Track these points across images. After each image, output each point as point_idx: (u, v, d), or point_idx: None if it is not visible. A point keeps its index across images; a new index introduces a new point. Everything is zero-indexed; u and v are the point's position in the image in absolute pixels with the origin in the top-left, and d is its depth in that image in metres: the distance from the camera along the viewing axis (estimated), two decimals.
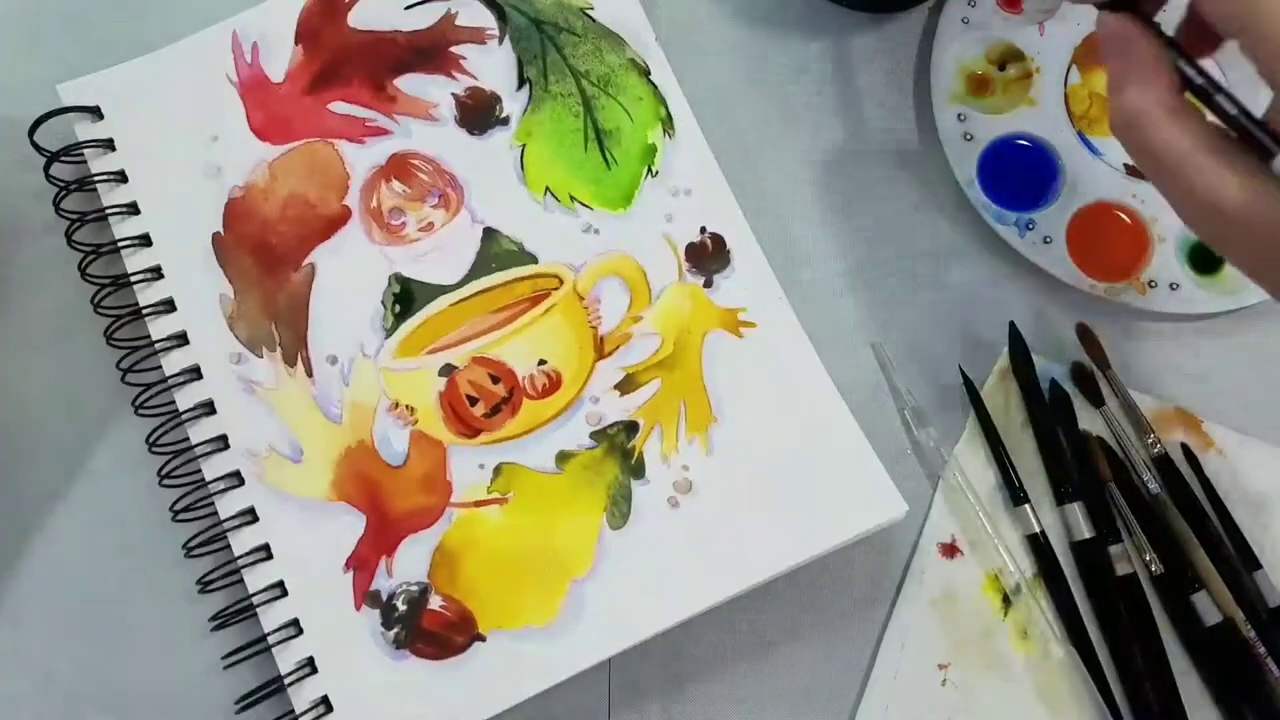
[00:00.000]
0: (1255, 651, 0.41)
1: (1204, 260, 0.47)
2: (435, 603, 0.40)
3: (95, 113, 0.43)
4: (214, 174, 0.43)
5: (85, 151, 0.43)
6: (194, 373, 0.41)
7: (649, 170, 0.45)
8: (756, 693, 0.43)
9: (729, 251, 0.44)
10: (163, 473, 0.41)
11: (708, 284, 0.44)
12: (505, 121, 0.45)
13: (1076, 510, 0.43)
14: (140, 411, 0.41)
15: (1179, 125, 0.32)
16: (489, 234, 0.44)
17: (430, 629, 0.39)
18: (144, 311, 0.42)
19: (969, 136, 0.48)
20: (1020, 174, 0.48)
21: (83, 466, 0.43)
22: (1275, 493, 0.44)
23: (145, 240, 0.42)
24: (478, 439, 0.41)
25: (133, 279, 0.42)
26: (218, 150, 0.44)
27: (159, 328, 0.42)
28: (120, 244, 0.42)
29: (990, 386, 0.45)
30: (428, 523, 0.40)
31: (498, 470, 0.41)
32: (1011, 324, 0.46)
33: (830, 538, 0.40)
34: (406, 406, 0.42)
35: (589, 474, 0.41)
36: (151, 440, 0.41)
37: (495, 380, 0.42)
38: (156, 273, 0.42)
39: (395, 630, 0.39)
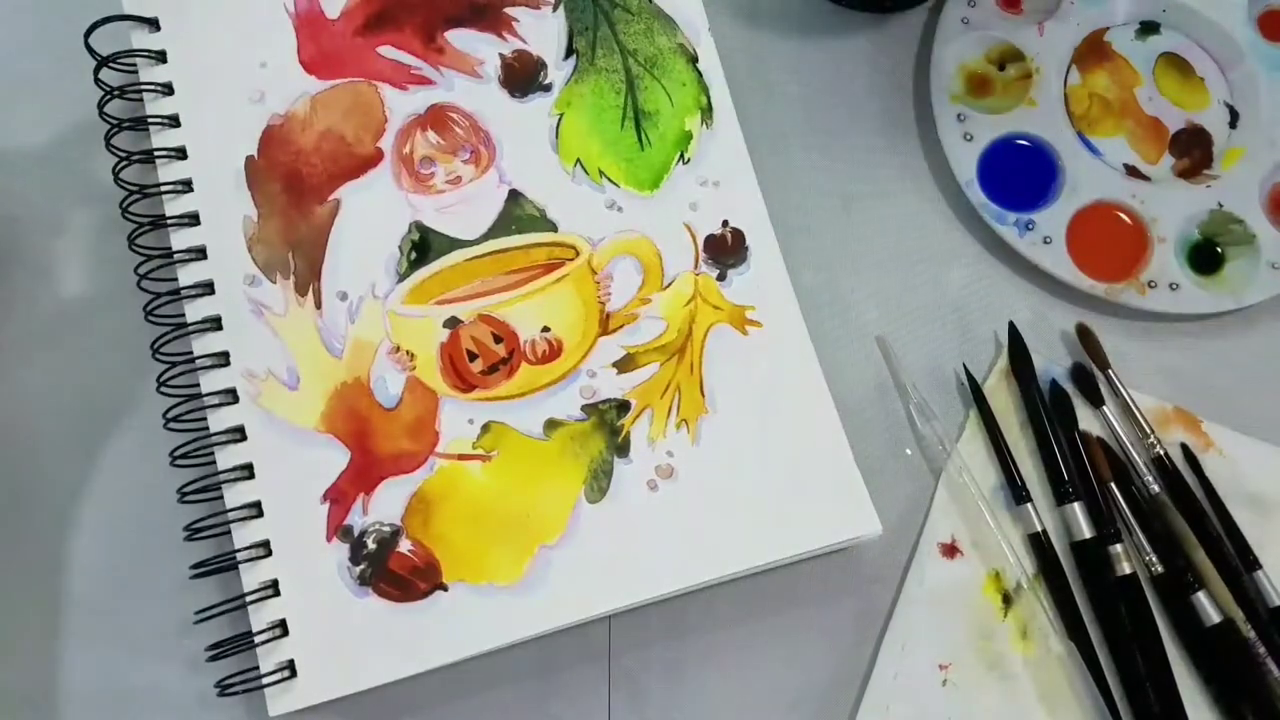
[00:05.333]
0: (1255, 651, 0.41)
1: (1204, 260, 0.47)
2: (405, 546, 0.40)
3: (153, 24, 0.44)
4: (258, 99, 0.44)
5: (137, 61, 0.44)
6: (207, 288, 0.42)
7: (681, 157, 0.45)
8: (756, 693, 0.42)
9: (748, 248, 0.44)
10: (161, 380, 0.41)
11: (721, 277, 0.44)
12: (548, 88, 0.45)
13: (1076, 510, 0.43)
14: (149, 317, 0.41)
15: None
16: (514, 196, 0.44)
17: (396, 570, 0.40)
18: (168, 221, 0.42)
19: (969, 136, 0.48)
20: (1020, 174, 0.48)
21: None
22: (1275, 493, 0.44)
23: (181, 153, 0.43)
24: (471, 394, 0.42)
25: (162, 189, 0.43)
26: (264, 76, 0.44)
27: (180, 239, 0.42)
28: (156, 154, 0.43)
29: (990, 386, 0.45)
30: (410, 468, 0.41)
31: (486, 428, 0.41)
32: (1011, 324, 0.46)
33: (800, 544, 0.40)
34: (407, 352, 0.42)
35: (574, 445, 0.41)
36: (156, 348, 0.41)
37: (497, 340, 0.42)
38: (187, 186, 0.43)
39: (361, 567, 0.40)
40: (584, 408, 0.42)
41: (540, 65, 0.46)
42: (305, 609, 0.39)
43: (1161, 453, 0.44)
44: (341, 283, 0.43)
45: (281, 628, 0.39)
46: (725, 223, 0.44)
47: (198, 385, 0.41)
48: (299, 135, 0.44)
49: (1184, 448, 0.45)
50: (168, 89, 0.44)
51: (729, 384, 0.42)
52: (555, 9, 0.46)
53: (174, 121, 0.44)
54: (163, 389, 0.41)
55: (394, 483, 0.41)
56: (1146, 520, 0.43)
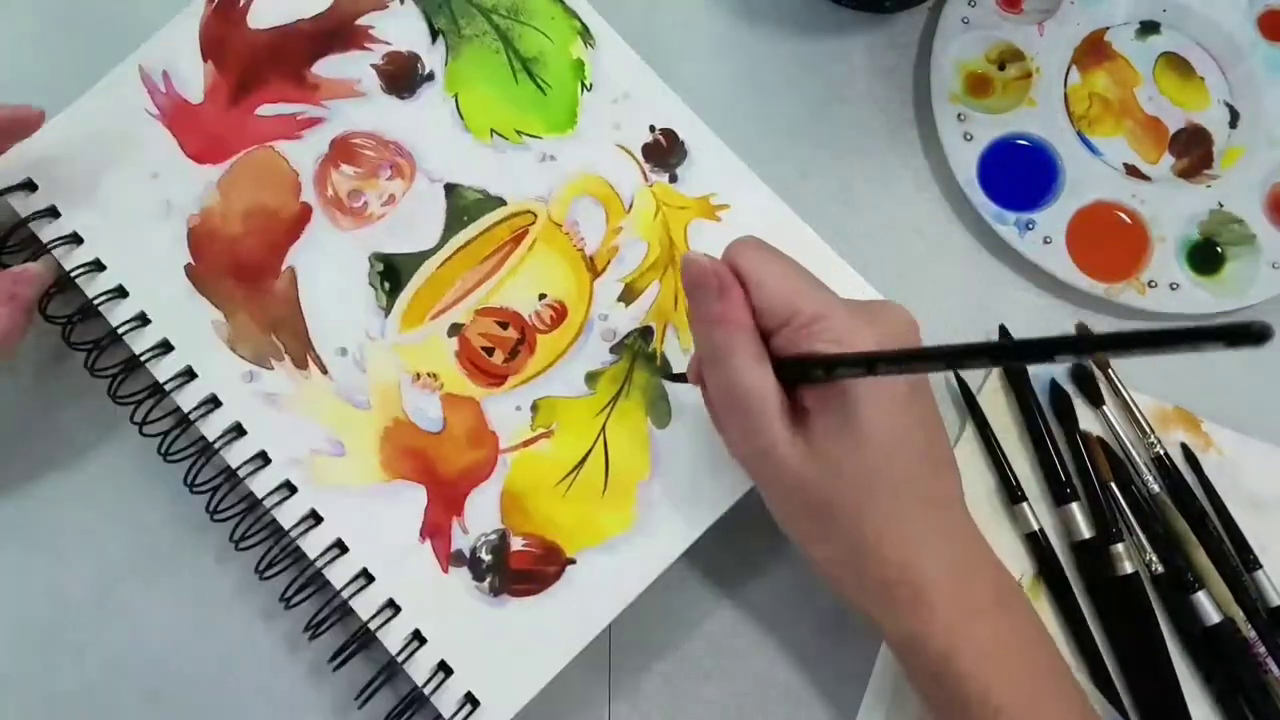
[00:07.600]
0: (1255, 651, 0.41)
1: (1204, 260, 0.47)
2: (517, 544, 0.41)
3: (29, 186, 0.43)
4: (165, 211, 0.43)
5: (32, 225, 0.42)
6: (212, 402, 0.41)
7: (583, 85, 0.45)
8: (757, 693, 0.42)
9: (683, 143, 0.45)
10: (211, 508, 0.41)
11: (672, 179, 0.45)
12: (430, 77, 0.45)
13: (1076, 510, 0.43)
14: (169, 458, 0.41)
15: (762, 371, 0.35)
16: (451, 190, 0.44)
17: (520, 569, 0.41)
18: (143, 358, 0.41)
19: (969, 136, 0.48)
20: (1020, 174, 0.48)
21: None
22: (1275, 493, 0.44)
23: (121, 292, 0.42)
24: (506, 385, 0.42)
25: (120, 330, 0.42)
26: (161, 186, 0.43)
27: (162, 370, 0.41)
28: (96, 300, 0.42)
29: (990, 388, 0.45)
30: (485, 474, 0.41)
31: (535, 407, 0.42)
32: (1001, 327, 0.46)
33: None
34: (429, 374, 0.42)
35: (622, 385, 0.43)
36: (191, 481, 0.41)
37: (504, 326, 0.43)
38: (142, 319, 0.42)
39: (488, 580, 0.40)
40: (612, 350, 0.43)
41: (414, 59, 0.45)
42: (456, 642, 0.40)
43: (1161, 453, 0.44)
44: (336, 340, 0.42)
45: (443, 669, 0.39)
46: (652, 128, 0.45)
47: (251, 494, 0.41)
48: (223, 226, 0.43)
49: (1184, 448, 0.45)
50: (75, 239, 0.42)
51: None
52: (403, 1, 0.46)
53: (98, 265, 0.42)
54: (216, 516, 0.41)
55: (478, 493, 0.41)
56: (1146, 520, 0.43)
